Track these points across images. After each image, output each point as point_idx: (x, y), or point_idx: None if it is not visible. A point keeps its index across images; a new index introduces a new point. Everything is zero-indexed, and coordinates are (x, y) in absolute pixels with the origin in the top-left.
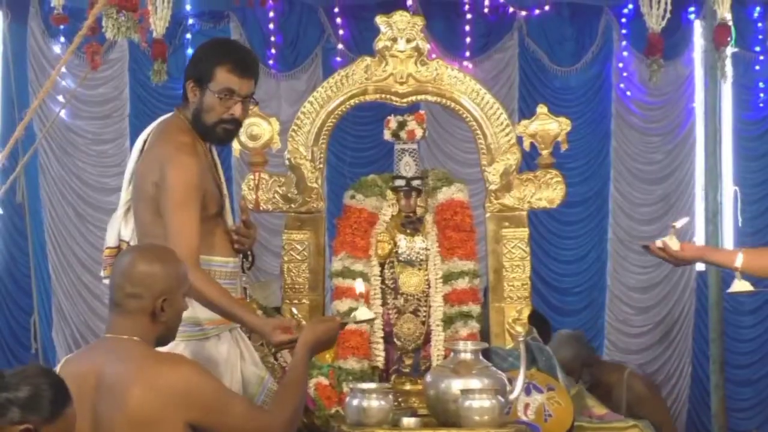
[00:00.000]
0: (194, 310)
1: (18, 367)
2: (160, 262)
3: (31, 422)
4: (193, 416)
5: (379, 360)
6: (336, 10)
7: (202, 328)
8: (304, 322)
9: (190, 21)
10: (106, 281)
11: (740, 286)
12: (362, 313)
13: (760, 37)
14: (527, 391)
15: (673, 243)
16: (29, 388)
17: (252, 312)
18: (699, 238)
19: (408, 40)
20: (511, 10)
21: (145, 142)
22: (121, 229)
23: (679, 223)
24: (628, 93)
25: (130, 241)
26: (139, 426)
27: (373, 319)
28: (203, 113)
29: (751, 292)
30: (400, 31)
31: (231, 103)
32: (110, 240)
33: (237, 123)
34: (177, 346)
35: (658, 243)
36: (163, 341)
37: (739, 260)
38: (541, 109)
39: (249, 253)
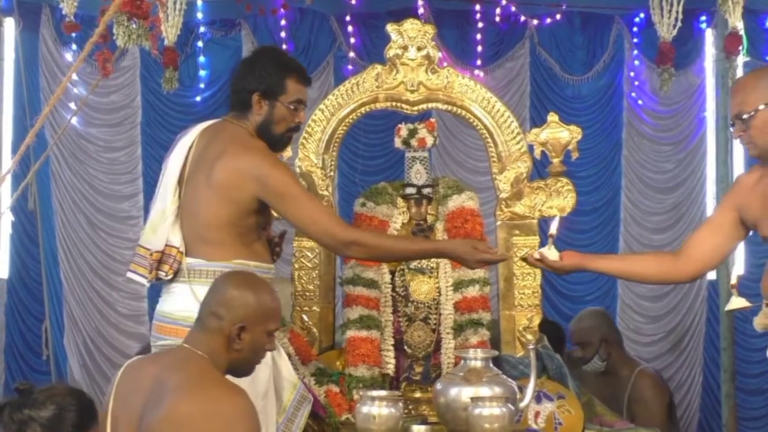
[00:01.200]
0: None
1: (48, 384)
2: (251, 290)
3: None
4: None
5: (390, 367)
6: (348, 18)
7: None
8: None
9: (202, 29)
10: (131, 276)
11: (737, 303)
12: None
13: None
14: (538, 399)
15: (551, 253)
16: (54, 407)
17: (431, 240)
18: None
19: (419, 48)
20: (522, 18)
21: (190, 148)
22: (169, 235)
23: (554, 228)
24: (640, 102)
25: (180, 247)
26: None
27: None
28: (273, 124)
29: (748, 308)
30: (411, 39)
31: (299, 111)
32: (156, 245)
33: (299, 129)
34: None
35: (536, 254)
36: (236, 372)
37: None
38: (552, 117)
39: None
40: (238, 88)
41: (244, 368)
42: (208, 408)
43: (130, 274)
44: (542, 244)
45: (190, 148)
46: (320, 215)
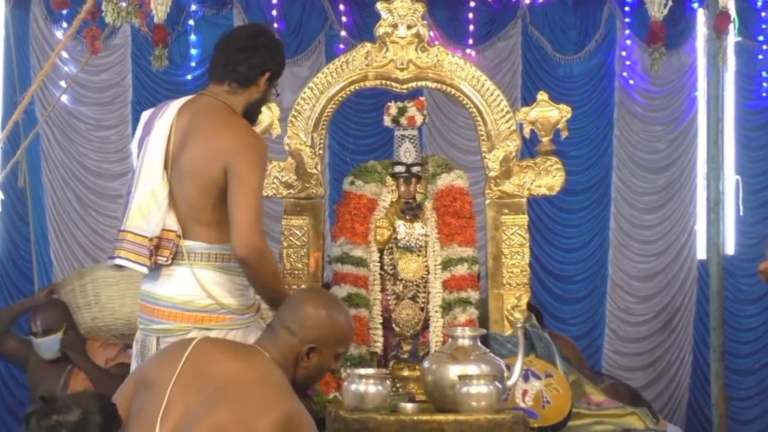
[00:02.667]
0: (241, 298)
1: (74, 392)
2: (328, 309)
3: None
4: None
5: (378, 346)
6: None
7: (248, 316)
8: None
9: (193, 7)
10: (125, 263)
11: None
12: None
13: (764, 26)
14: (525, 377)
15: None
16: (80, 412)
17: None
18: (700, 227)
19: (408, 27)
20: None
21: (171, 128)
22: (166, 220)
23: None
24: (631, 82)
25: (177, 231)
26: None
27: None
28: (261, 104)
29: None
30: (401, 17)
31: (277, 93)
32: (151, 230)
33: None
34: (227, 335)
35: None
36: (296, 388)
37: None
38: (542, 96)
39: None
40: (252, 63)
41: (305, 386)
42: (285, 423)
43: (122, 262)
44: (534, 225)
45: (171, 127)
46: (256, 213)
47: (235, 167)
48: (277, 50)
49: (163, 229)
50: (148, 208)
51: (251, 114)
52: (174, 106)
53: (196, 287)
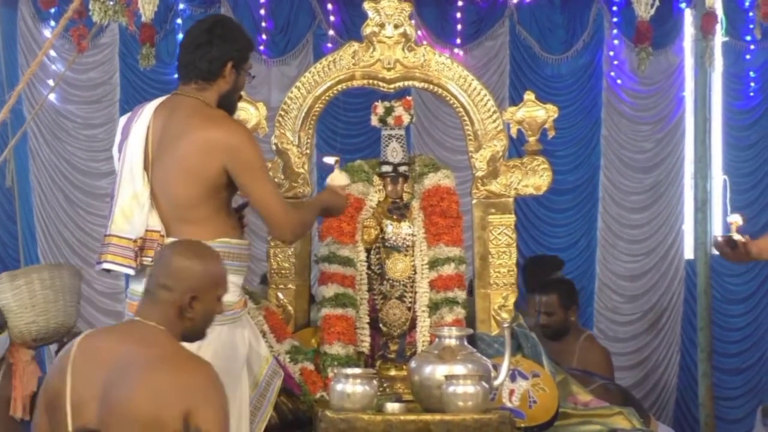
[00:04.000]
0: (228, 295)
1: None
2: (198, 259)
3: None
4: (191, 418)
5: (365, 345)
6: None
7: (234, 312)
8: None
9: (181, 6)
10: (111, 267)
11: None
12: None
13: (751, 26)
14: (512, 377)
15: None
16: None
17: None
18: (688, 227)
19: (396, 26)
20: None
21: (147, 129)
22: (149, 220)
23: (737, 218)
24: (619, 81)
25: (161, 231)
26: (143, 410)
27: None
28: (235, 92)
29: None
30: (388, 16)
31: (251, 78)
32: (135, 232)
33: None
34: (212, 332)
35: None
36: (190, 338)
37: None
38: (529, 95)
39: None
40: (211, 57)
41: (197, 335)
42: (183, 381)
43: (109, 265)
44: (522, 224)
45: (148, 128)
46: (278, 196)
47: (239, 160)
48: (234, 38)
49: (146, 230)
50: (131, 210)
51: (227, 104)
52: (149, 108)
53: None
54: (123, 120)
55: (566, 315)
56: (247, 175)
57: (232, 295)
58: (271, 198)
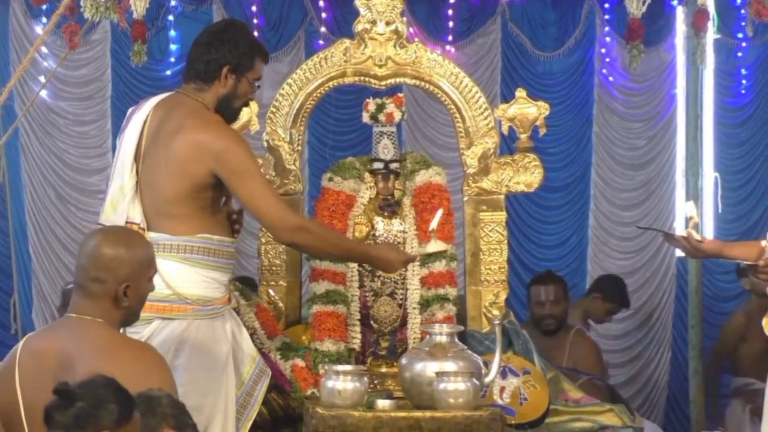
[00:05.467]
0: (206, 290)
1: (85, 379)
2: (125, 246)
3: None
4: None
5: (356, 342)
6: None
7: (213, 308)
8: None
9: (173, 2)
10: None
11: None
12: (433, 245)
13: (743, 24)
14: (503, 374)
15: (694, 233)
16: (94, 400)
17: (367, 245)
18: (679, 224)
19: (387, 23)
20: None
21: (144, 123)
22: (129, 211)
23: (693, 213)
24: (611, 78)
25: (141, 223)
26: None
27: (445, 251)
28: (234, 98)
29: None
30: (380, 13)
31: (256, 88)
32: (116, 222)
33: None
34: (189, 325)
35: (684, 232)
36: (127, 323)
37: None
38: (520, 93)
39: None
40: (208, 58)
41: (135, 317)
42: (125, 369)
43: None
44: (513, 221)
45: (145, 122)
46: (273, 197)
47: (230, 164)
48: (234, 44)
49: (126, 222)
50: (118, 200)
51: (226, 110)
52: (151, 102)
53: (157, 278)
54: (129, 111)
55: (567, 306)
56: (234, 178)
57: (213, 291)
58: (261, 199)
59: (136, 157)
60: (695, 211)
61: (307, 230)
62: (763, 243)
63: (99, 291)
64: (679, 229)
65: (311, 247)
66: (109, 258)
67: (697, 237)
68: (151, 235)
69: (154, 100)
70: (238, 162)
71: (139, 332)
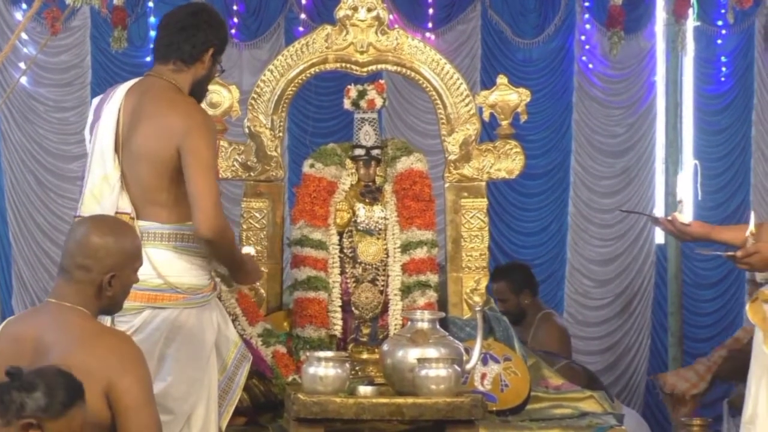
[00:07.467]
0: (195, 278)
1: (35, 367)
2: (113, 236)
3: (36, 418)
4: (111, 392)
5: (337, 329)
6: None
7: (203, 296)
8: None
9: None
10: None
11: None
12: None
13: (723, 11)
14: (484, 361)
15: (681, 217)
16: (44, 387)
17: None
18: (658, 211)
19: (369, 9)
20: None
21: (119, 111)
22: (119, 202)
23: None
24: (591, 66)
25: (131, 213)
26: None
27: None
28: (208, 80)
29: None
30: (361, 0)
31: (222, 70)
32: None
33: None
34: (180, 315)
35: (669, 216)
36: (107, 312)
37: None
38: (501, 79)
39: None
40: (196, 40)
41: (116, 307)
42: (100, 359)
43: None
44: (493, 208)
45: (119, 110)
46: (216, 193)
47: (188, 145)
48: (219, 26)
49: (116, 212)
50: (101, 191)
51: (198, 91)
52: (122, 89)
53: (148, 267)
54: (96, 101)
55: (518, 300)
56: (189, 159)
57: (200, 279)
58: (205, 188)
59: (116, 147)
60: (684, 194)
61: (225, 233)
62: (747, 232)
63: (84, 278)
64: (659, 215)
65: (221, 250)
66: (97, 247)
67: (684, 220)
68: (141, 224)
69: (124, 87)
70: (199, 146)
71: (130, 321)
